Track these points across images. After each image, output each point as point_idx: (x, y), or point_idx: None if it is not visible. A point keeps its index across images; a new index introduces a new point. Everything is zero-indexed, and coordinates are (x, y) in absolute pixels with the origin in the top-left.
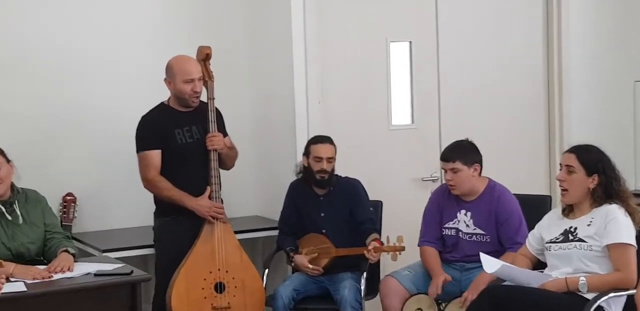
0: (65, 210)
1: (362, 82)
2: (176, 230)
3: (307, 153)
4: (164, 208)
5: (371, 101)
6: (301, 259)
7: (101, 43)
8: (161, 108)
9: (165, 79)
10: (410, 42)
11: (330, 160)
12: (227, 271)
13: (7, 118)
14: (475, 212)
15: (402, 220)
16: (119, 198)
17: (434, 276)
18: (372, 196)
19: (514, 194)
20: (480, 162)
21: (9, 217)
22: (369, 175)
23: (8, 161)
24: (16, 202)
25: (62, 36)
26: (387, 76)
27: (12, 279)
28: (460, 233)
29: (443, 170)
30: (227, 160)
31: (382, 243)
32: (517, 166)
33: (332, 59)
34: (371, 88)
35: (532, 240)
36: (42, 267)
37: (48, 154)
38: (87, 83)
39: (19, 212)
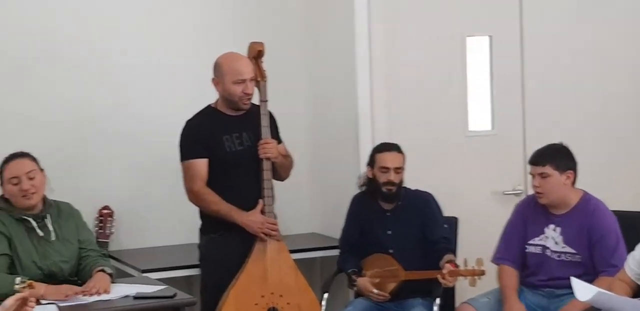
0: (101, 225)
1: (434, 82)
2: (224, 249)
3: (371, 163)
4: (211, 223)
5: (445, 104)
6: (365, 282)
7: (140, 42)
8: (208, 111)
9: (213, 79)
10: (490, 37)
11: (399, 170)
12: (281, 296)
13: (38, 123)
14: (566, 228)
15: (480, 239)
16: (160, 213)
17: (507, 305)
18: (447, 212)
19: (612, 210)
20: (574, 169)
21: (41, 233)
22: (442, 187)
23: (41, 170)
24: (48, 215)
25: (99, 36)
26: (464, 75)
27: (43, 302)
28: (547, 251)
29: (531, 176)
30: (281, 170)
31: (458, 266)
32: (615, 179)
33: (400, 56)
34: (445, 89)
35: (632, 263)
36: (76, 288)
37: (83, 163)
38: (126, 86)
39: (51, 227)
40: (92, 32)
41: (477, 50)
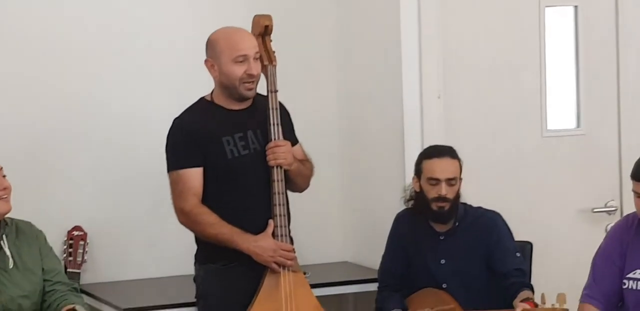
0: (71, 250)
1: (502, 67)
2: (227, 283)
3: (418, 172)
4: (210, 251)
5: (516, 96)
6: None
7: (120, 26)
8: (201, 106)
9: (206, 61)
10: (576, 7)
11: (452, 182)
12: None
13: None
14: None
15: (562, 270)
16: (145, 236)
17: None
18: (519, 235)
19: None
20: None
21: None
22: (513, 204)
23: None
24: (4, 237)
25: (69, 21)
26: (541, 58)
27: None
28: None
29: (634, 194)
30: (298, 180)
31: (535, 305)
32: None
33: (458, 35)
34: (517, 77)
35: None
36: None
37: (49, 174)
38: (102, 81)
39: (8, 252)
40: (63, 16)
41: (559, 24)
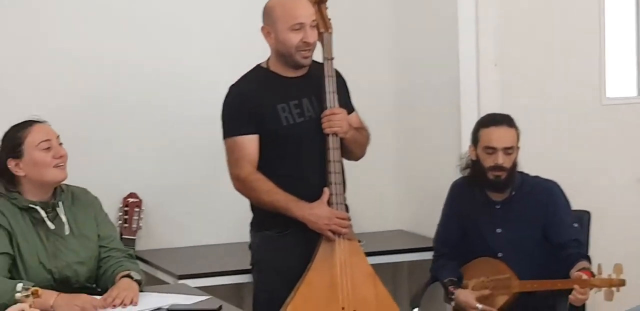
0: (126, 217)
1: (559, 34)
2: (283, 250)
3: (475, 140)
4: (265, 218)
5: (574, 62)
6: (466, 295)
7: None
8: (257, 73)
9: (262, 28)
10: None
11: (509, 150)
12: None
13: (48, 89)
14: None
15: (620, 240)
16: (201, 203)
17: None
18: (576, 204)
19: None
20: None
21: (51, 226)
22: (570, 173)
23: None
24: (60, 204)
25: None
26: (600, 24)
27: None
28: None
29: None
30: (353, 148)
31: (592, 275)
32: None
33: (516, 2)
34: (574, 43)
35: None
36: (95, 298)
37: (102, 139)
38: (157, 44)
39: (64, 219)
40: None
41: None
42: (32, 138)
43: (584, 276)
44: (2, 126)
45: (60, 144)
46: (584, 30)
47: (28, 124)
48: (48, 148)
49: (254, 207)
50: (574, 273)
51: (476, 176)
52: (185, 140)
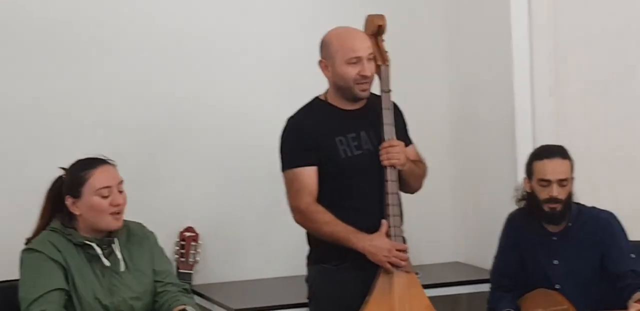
0: (182, 252)
1: (617, 61)
2: (340, 283)
3: (529, 173)
4: (323, 250)
5: (632, 91)
6: None
7: (227, 21)
8: (315, 105)
9: (320, 62)
10: None
11: (564, 182)
12: None
13: (104, 122)
14: None
15: None
16: (257, 236)
17: None
18: (634, 234)
19: None
20: None
21: (107, 262)
22: (628, 203)
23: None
24: (116, 240)
25: (177, 15)
26: None
27: None
28: None
29: None
30: (410, 180)
31: None
32: None
33: (570, 30)
34: (632, 72)
35: None
36: None
37: (159, 173)
38: (214, 76)
39: (119, 255)
40: (170, 13)
41: None
42: (94, 181)
43: (639, 307)
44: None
45: (121, 192)
46: None
47: (94, 164)
48: (107, 196)
49: (311, 240)
50: (632, 303)
51: (532, 208)
52: (242, 173)
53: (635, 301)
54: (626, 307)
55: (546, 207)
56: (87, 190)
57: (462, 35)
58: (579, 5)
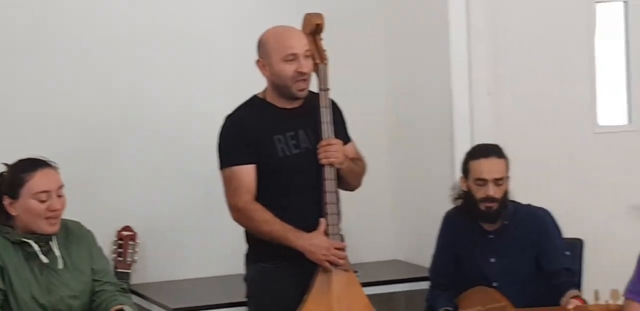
0: (120, 251)
1: (552, 63)
2: (278, 282)
3: (465, 172)
4: (261, 249)
5: (566, 92)
6: None
7: (169, 21)
8: (254, 104)
9: (257, 61)
10: (626, 3)
11: (500, 181)
12: None
13: (45, 123)
14: None
15: (614, 266)
16: (196, 235)
17: None
18: (569, 232)
19: None
20: None
21: (45, 259)
22: (563, 201)
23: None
24: (54, 238)
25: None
26: (591, 54)
27: None
28: None
29: None
30: (349, 178)
31: (584, 302)
32: None
33: (508, 32)
34: (567, 72)
35: None
36: None
37: (96, 172)
38: (150, 78)
39: (58, 252)
40: (107, 9)
41: (609, 20)
42: (33, 184)
43: (577, 303)
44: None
45: (60, 196)
46: (576, 60)
47: (36, 167)
48: (44, 201)
49: (249, 239)
50: (568, 299)
51: (468, 207)
52: (181, 172)
53: (572, 298)
54: (559, 305)
55: (482, 206)
56: (25, 192)
57: (401, 35)
58: (515, 7)
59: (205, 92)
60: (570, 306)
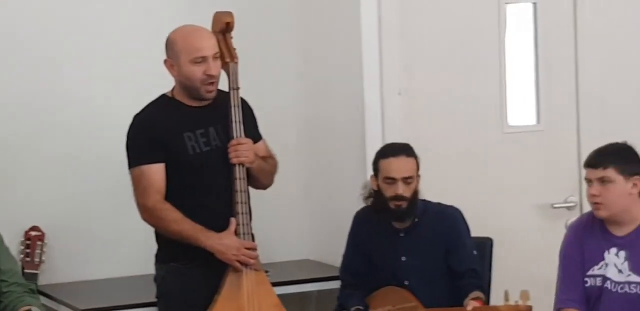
0: (28, 251)
1: (462, 64)
2: (188, 282)
3: (375, 171)
4: (171, 249)
5: (477, 92)
6: None
7: (76, 16)
8: (162, 102)
9: (165, 60)
10: (535, 4)
11: (409, 180)
12: None
13: None
14: (631, 251)
15: (523, 265)
16: (105, 235)
17: None
18: (477, 231)
19: None
20: None
21: None
22: (472, 200)
23: None
24: None
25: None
26: (501, 54)
27: None
28: (607, 282)
29: (587, 182)
30: (260, 177)
31: (484, 303)
32: None
33: (419, 31)
34: (477, 73)
35: None
36: None
37: (2, 172)
38: (57, 76)
39: None
40: (25, 9)
41: (519, 21)
42: None
43: (476, 304)
44: None
45: None
46: (486, 60)
47: None
48: None
49: (159, 239)
50: (468, 300)
51: (378, 205)
52: (90, 172)
53: (472, 299)
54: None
55: (392, 204)
56: None
57: (313, 33)
58: (427, 7)
59: (114, 90)
60: (469, 308)
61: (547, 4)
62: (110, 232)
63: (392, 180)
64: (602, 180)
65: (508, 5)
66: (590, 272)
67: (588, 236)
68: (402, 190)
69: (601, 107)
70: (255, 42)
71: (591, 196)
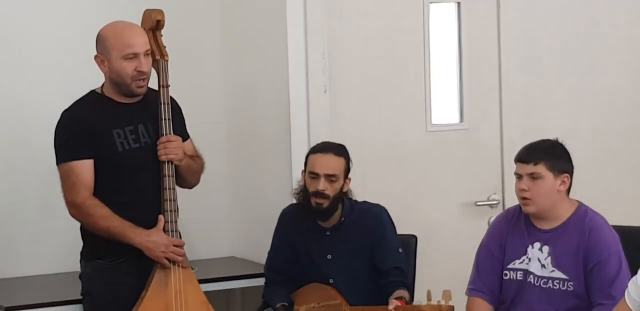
0: None
1: (387, 62)
2: (115, 278)
3: (305, 166)
4: (97, 246)
5: (401, 90)
6: None
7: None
8: (91, 98)
9: (96, 56)
10: (459, 4)
11: (332, 178)
12: None
13: None
14: (555, 246)
15: (446, 262)
16: (30, 232)
17: None
18: (402, 228)
19: (612, 226)
20: (570, 173)
21: None
22: (397, 198)
23: None
24: None
25: None
26: (425, 53)
27: None
28: (530, 276)
29: (516, 176)
30: (188, 175)
31: (406, 303)
32: (616, 187)
33: (343, 30)
34: (401, 71)
35: (634, 292)
36: None
37: None
38: None
39: None
40: None
41: (443, 20)
42: None
43: (397, 304)
44: None
45: None
46: (411, 59)
47: None
48: None
49: (85, 236)
50: (391, 300)
51: (304, 202)
52: (16, 168)
53: (395, 298)
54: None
55: (313, 201)
56: None
57: (239, 31)
58: (352, 6)
59: (41, 86)
60: (391, 307)
61: (470, 4)
62: (36, 229)
63: (315, 175)
64: (532, 176)
65: (432, 5)
66: (511, 265)
67: (512, 230)
68: (323, 186)
69: (524, 106)
70: (181, 40)
71: (520, 190)
